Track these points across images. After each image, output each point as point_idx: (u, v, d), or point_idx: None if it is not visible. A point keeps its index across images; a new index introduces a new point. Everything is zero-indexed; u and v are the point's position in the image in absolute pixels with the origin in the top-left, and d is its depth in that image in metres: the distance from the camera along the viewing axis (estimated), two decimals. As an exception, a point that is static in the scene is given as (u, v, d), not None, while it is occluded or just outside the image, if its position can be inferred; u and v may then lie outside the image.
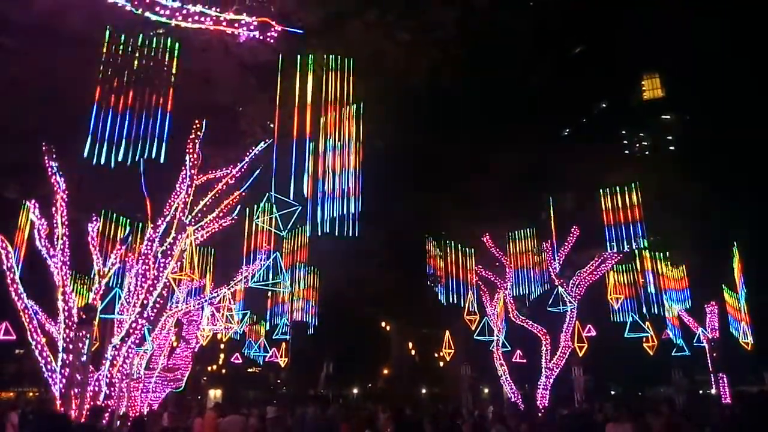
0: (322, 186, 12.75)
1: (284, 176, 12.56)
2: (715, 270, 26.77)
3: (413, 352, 47.19)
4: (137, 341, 14.03)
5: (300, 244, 23.41)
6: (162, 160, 11.37)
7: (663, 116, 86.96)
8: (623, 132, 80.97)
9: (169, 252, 13.94)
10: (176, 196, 14.32)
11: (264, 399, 34.60)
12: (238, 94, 14.39)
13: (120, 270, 16.10)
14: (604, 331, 26.01)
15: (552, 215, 23.66)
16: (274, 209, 13.98)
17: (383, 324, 46.65)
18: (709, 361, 26.26)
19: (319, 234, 13.24)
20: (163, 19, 10.49)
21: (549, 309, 22.74)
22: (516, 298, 25.14)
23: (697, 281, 25.96)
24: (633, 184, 21.34)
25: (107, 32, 10.95)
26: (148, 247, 13.99)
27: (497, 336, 24.78)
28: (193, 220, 14.56)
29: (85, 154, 10.61)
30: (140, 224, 16.23)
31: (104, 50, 10.93)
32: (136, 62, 11.14)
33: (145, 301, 13.50)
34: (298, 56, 12.69)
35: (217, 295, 18.29)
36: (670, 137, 79.91)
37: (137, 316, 13.43)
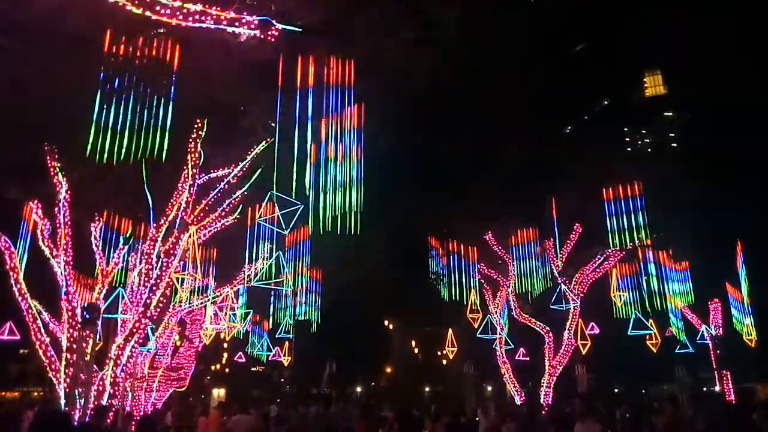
0: (324, 184, 12.75)
1: (286, 175, 12.56)
2: (718, 267, 26.71)
3: (416, 351, 47.24)
4: (141, 341, 14.06)
5: (302, 243, 23.41)
6: (164, 160, 11.38)
7: (665, 113, 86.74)
8: (625, 129, 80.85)
9: (171, 251, 13.96)
10: (178, 196, 14.34)
11: (267, 398, 34.65)
12: (239, 93, 14.38)
13: (123, 269, 16.14)
14: (607, 329, 25.98)
15: (554, 213, 23.63)
16: (276, 208, 13.99)
17: (386, 322, 46.71)
18: (712, 358, 26.22)
19: (322, 233, 13.24)
20: (164, 19, 10.49)
21: (552, 307, 22.72)
22: (519, 296, 25.13)
23: (701, 278, 25.90)
24: (635, 182, 21.30)
25: (108, 32, 10.96)
26: (151, 247, 14.02)
27: (500, 334, 24.77)
28: (195, 219, 14.58)
29: (87, 154, 10.63)
30: (143, 224, 16.26)
31: (105, 50, 10.93)
32: (137, 61, 11.14)
33: (148, 301, 13.52)
34: (299, 55, 12.68)
35: (220, 294, 18.32)
36: (672, 134, 79.78)
37: (140, 315, 13.46)
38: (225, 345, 36.51)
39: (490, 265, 25.65)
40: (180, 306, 16.93)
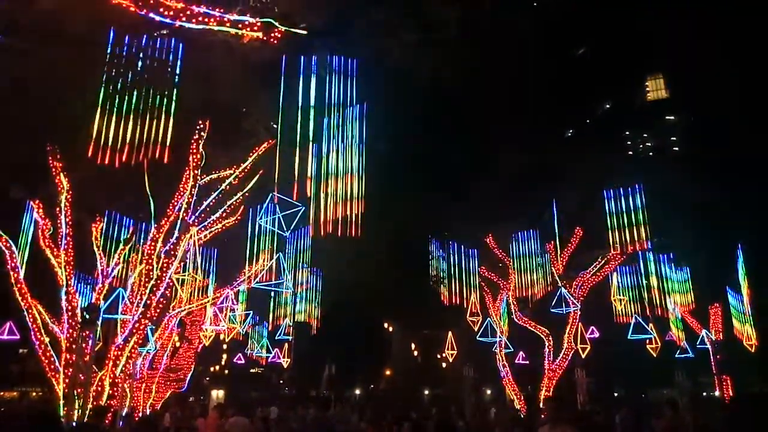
0: (325, 186, 12.75)
1: (287, 176, 12.56)
2: (719, 271, 26.67)
3: (416, 353, 47.18)
4: (140, 341, 14.04)
5: (303, 245, 23.40)
6: (165, 161, 11.39)
7: (667, 117, 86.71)
8: (627, 133, 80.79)
9: (172, 252, 13.96)
10: (180, 197, 14.34)
11: (266, 399, 34.60)
12: (242, 95, 14.40)
13: (123, 270, 16.13)
14: (607, 333, 25.94)
15: (555, 216, 23.62)
16: (277, 209, 14.00)
17: (386, 325, 46.66)
18: (712, 362, 26.17)
19: (322, 234, 13.23)
20: (167, 20, 10.51)
21: (552, 310, 22.69)
22: (519, 300, 25.10)
23: (702, 283, 25.86)
24: (637, 185, 21.29)
25: (111, 33, 10.97)
26: (152, 247, 14.01)
27: (500, 337, 24.73)
28: (196, 220, 14.58)
29: (89, 154, 10.63)
30: (144, 224, 16.26)
31: (108, 51, 10.95)
32: (140, 62, 11.15)
33: (148, 302, 13.52)
34: (302, 57, 12.70)
35: (220, 295, 18.31)
36: (674, 138, 79.74)
37: (140, 316, 13.45)
38: (224, 346, 36.48)
39: (491, 268, 25.64)
40: (180, 307, 16.93)
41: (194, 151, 14.22)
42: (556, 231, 23.56)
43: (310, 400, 31.31)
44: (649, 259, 24.17)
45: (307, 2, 12.99)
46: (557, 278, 23.37)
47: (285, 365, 32.32)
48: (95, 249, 14.86)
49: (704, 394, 32.32)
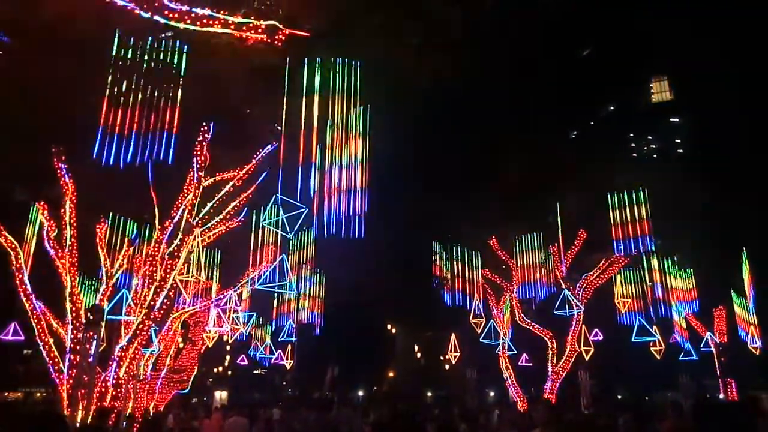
0: (329, 188, 12.78)
1: (291, 178, 12.60)
2: (723, 274, 26.60)
3: (419, 355, 47.15)
4: (144, 342, 14.08)
5: (306, 246, 23.44)
6: (170, 162, 11.43)
7: (671, 119, 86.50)
8: (631, 135, 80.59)
9: (176, 253, 14.00)
10: (184, 198, 14.39)
11: (269, 401, 34.63)
12: (246, 97, 14.44)
13: (127, 271, 16.18)
14: (611, 335, 25.88)
15: (559, 218, 23.59)
16: (281, 211, 14.01)
17: (389, 326, 46.65)
18: (717, 365, 26.08)
19: (326, 236, 13.26)
20: (172, 23, 10.56)
21: (555, 312, 22.66)
22: (522, 302, 25.07)
23: (706, 285, 25.79)
24: (641, 187, 21.25)
25: (116, 35, 11.03)
26: (156, 249, 14.05)
27: (503, 339, 24.71)
28: (200, 222, 14.62)
29: (94, 156, 10.68)
30: (148, 226, 16.31)
31: (113, 53, 11.00)
32: (144, 65, 11.20)
33: (152, 303, 13.56)
34: (306, 59, 12.74)
35: (224, 297, 18.34)
36: (678, 140, 79.55)
37: (144, 317, 13.49)
38: (228, 347, 36.54)
39: (494, 270, 25.62)
40: (183, 308, 16.96)
41: (198, 152, 14.26)
42: (560, 233, 23.54)
43: (313, 401, 31.34)
44: (652, 261, 24.12)
45: (310, 5, 13.03)
46: (561, 280, 23.34)
47: (288, 366, 32.36)
48: (99, 250, 14.91)
49: (708, 396, 32.20)
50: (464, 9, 16.27)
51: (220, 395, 35.26)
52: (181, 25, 10.54)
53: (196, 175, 14.26)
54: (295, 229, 13.95)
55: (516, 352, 25.63)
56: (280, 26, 11.21)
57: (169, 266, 13.89)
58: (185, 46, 11.59)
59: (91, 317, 12.48)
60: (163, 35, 11.41)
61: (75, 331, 13.16)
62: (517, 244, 24.61)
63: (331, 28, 13.57)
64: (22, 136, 13.07)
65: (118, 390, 13.33)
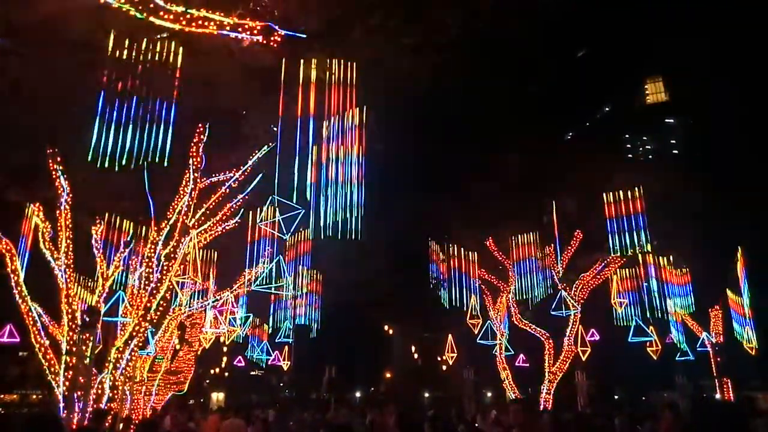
0: (325, 188, 12.78)
1: (287, 179, 12.58)
2: (719, 274, 26.67)
3: (416, 356, 47.14)
4: (140, 344, 14.05)
5: (303, 247, 23.43)
6: (165, 164, 11.41)
7: (666, 120, 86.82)
8: (626, 136, 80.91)
9: (172, 255, 13.97)
10: (180, 200, 14.37)
11: (267, 402, 34.59)
12: (242, 98, 14.43)
13: (123, 273, 16.14)
14: (608, 336, 25.94)
15: (555, 219, 23.64)
16: (277, 212, 14.00)
17: (386, 327, 46.64)
18: (713, 365, 26.15)
19: (322, 237, 13.26)
20: (167, 24, 10.54)
21: (552, 313, 22.70)
22: (519, 302, 25.11)
23: (701, 285, 25.87)
24: (636, 188, 21.31)
25: (111, 36, 11.01)
26: (152, 250, 14.03)
27: (500, 340, 24.74)
28: (196, 223, 14.60)
29: (89, 157, 10.65)
30: (144, 227, 16.29)
31: (108, 54, 10.98)
32: (139, 66, 11.18)
33: (148, 304, 13.53)
34: (302, 60, 12.73)
35: (220, 298, 18.32)
36: (673, 141, 79.86)
37: (140, 319, 13.46)
38: (224, 349, 36.49)
39: (491, 271, 25.65)
40: (180, 309, 16.94)
41: (194, 154, 14.25)
42: (556, 234, 23.59)
43: (310, 402, 31.32)
44: (648, 261, 24.18)
45: (307, 6, 13.03)
46: (557, 281, 23.39)
47: (285, 368, 32.33)
48: (95, 252, 14.88)
49: (705, 396, 32.29)
50: (461, 10, 16.29)
51: (217, 397, 35.21)
52: (177, 27, 10.52)
53: (192, 177, 14.25)
54: (292, 229, 13.95)
55: (513, 352, 25.66)
56: (276, 27, 11.21)
57: (165, 268, 13.87)
58: (181, 48, 11.56)
59: (87, 319, 12.44)
60: (158, 37, 11.40)
61: (71, 333, 13.12)
62: (514, 244, 24.64)
63: (327, 28, 13.57)
64: (17, 137, 13.03)
65: (115, 392, 13.29)
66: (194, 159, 14.26)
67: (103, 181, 13.42)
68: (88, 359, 12.27)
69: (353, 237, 13.07)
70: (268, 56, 12.24)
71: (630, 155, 76.86)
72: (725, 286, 26.61)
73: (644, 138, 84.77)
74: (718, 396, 25.98)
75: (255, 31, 11.05)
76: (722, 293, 26.61)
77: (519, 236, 24.53)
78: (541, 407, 22.73)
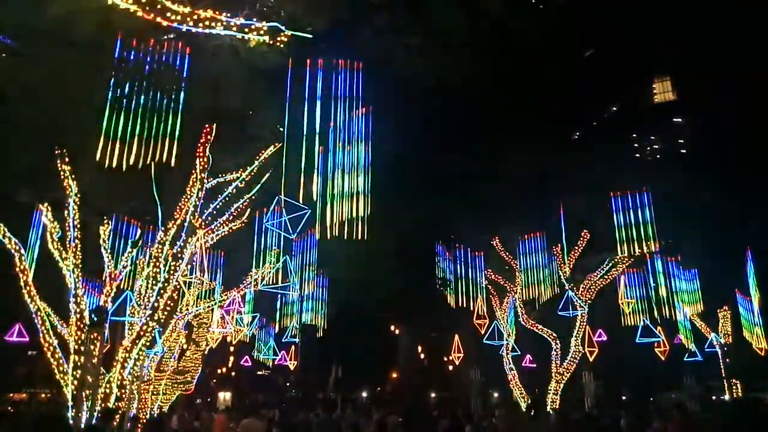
0: (331, 189, 12.79)
1: (294, 180, 12.61)
2: (728, 274, 26.50)
3: (422, 356, 47.07)
4: (148, 343, 14.11)
5: (309, 248, 23.46)
6: (173, 164, 11.45)
7: (674, 119, 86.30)
8: (634, 135, 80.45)
9: (179, 255, 14.02)
10: (187, 200, 14.41)
11: (273, 402, 34.70)
12: (248, 98, 14.46)
13: (131, 273, 16.21)
14: (615, 336, 25.81)
15: (562, 219, 23.54)
16: (284, 213, 14.03)
17: (392, 327, 46.59)
18: (721, 366, 25.98)
19: (329, 237, 13.26)
20: (174, 25, 10.58)
21: (559, 313, 22.61)
22: (526, 302, 25.02)
23: (710, 286, 25.70)
24: (644, 188, 21.18)
25: (119, 37, 11.06)
26: (159, 250, 14.08)
27: (507, 340, 24.67)
28: (203, 223, 14.65)
29: (97, 158, 10.71)
30: (151, 227, 16.35)
31: (116, 55, 11.03)
32: (147, 67, 11.22)
33: (155, 304, 13.58)
34: (308, 60, 12.75)
35: (227, 298, 18.37)
36: (681, 140, 79.36)
37: (148, 318, 13.52)
38: (231, 348, 36.59)
39: (497, 271, 25.57)
40: (187, 309, 16.99)
41: (201, 154, 14.28)
42: (563, 234, 23.48)
43: (317, 402, 31.35)
44: (657, 262, 24.03)
45: (312, 6, 13.04)
46: (564, 281, 23.29)
47: (292, 368, 32.37)
48: (103, 252, 14.95)
49: (713, 397, 32.08)
50: (466, 10, 16.26)
51: (224, 396, 35.32)
52: (184, 27, 10.56)
53: (198, 177, 14.29)
54: (298, 230, 13.97)
55: (520, 352, 25.58)
56: (282, 28, 11.22)
57: (172, 268, 13.91)
58: (187, 48, 11.60)
59: (95, 318, 12.50)
60: (165, 37, 11.44)
61: (79, 333, 13.19)
62: (521, 244, 24.55)
63: (334, 29, 13.58)
64: (26, 138, 13.11)
65: (123, 391, 13.36)
66: (201, 159, 14.30)
67: (111, 182, 13.48)
68: (96, 359, 12.33)
69: (359, 237, 13.08)
70: (274, 56, 12.26)
71: (638, 155, 76.46)
72: (734, 286, 26.43)
73: (652, 137, 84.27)
74: (726, 397, 25.83)
75: (261, 32, 11.07)
76: (731, 293, 26.44)
77: (526, 236, 24.43)
78: (548, 408, 22.66)
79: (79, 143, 12.48)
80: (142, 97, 11.05)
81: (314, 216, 12.93)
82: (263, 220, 16.42)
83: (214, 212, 15.00)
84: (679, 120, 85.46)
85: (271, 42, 11.24)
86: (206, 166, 14.41)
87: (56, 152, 13.73)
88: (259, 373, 45.25)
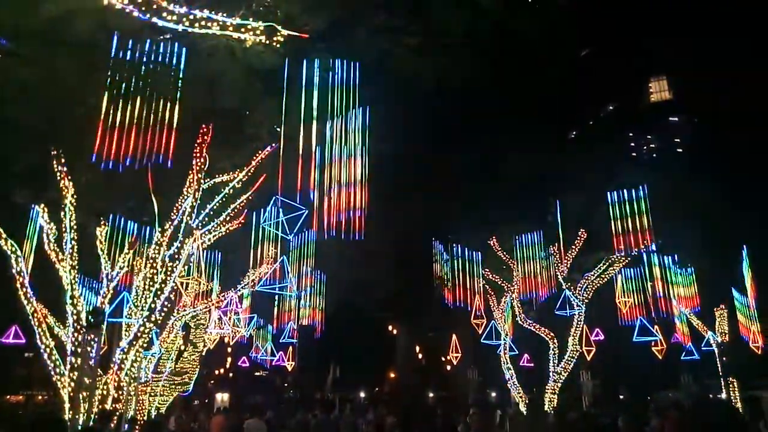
0: (328, 189, 12.76)
1: (291, 180, 12.58)
2: (724, 272, 26.54)
3: (420, 356, 47.11)
4: (145, 345, 14.08)
5: (306, 248, 23.42)
6: (169, 165, 11.41)
7: (670, 118, 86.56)
8: (630, 134, 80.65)
9: (176, 256, 13.99)
10: (183, 201, 14.38)
11: (272, 402, 34.62)
12: (245, 98, 14.43)
13: (128, 274, 16.16)
14: (612, 335, 25.85)
15: (559, 218, 23.56)
16: (281, 213, 14.01)
17: (390, 327, 46.60)
18: (718, 365, 26.03)
19: (326, 237, 13.23)
20: (170, 25, 10.55)
21: (556, 312, 22.63)
22: (523, 302, 25.04)
23: (707, 284, 25.74)
24: (640, 187, 21.20)
25: (114, 38, 11.03)
26: (156, 251, 14.05)
27: (504, 340, 24.68)
28: (200, 224, 14.62)
29: (93, 158, 10.67)
30: (148, 228, 16.31)
31: (112, 55, 11.00)
32: (143, 67, 11.18)
33: (152, 305, 13.55)
34: (305, 60, 12.73)
35: (225, 299, 18.34)
36: (677, 139, 79.62)
37: (145, 319, 13.48)
38: (229, 349, 36.54)
39: (495, 271, 25.58)
40: (184, 310, 16.96)
41: (198, 155, 14.25)
42: (560, 233, 23.50)
43: (315, 403, 31.33)
44: (653, 260, 24.05)
45: (310, 6, 13.02)
46: (561, 280, 23.31)
47: (289, 368, 32.35)
48: (99, 253, 14.91)
49: (711, 396, 32.15)
50: (465, 10, 16.26)
51: (222, 397, 35.26)
52: (180, 27, 10.53)
53: (195, 177, 14.26)
54: (295, 230, 13.95)
55: (517, 352, 25.60)
56: (279, 28, 11.20)
57: (169, 269, 13.88)
58: (184, 49, 11.57)
59: (91, 320, 12.46)
60: (161, 38, 11.41)
61: (76, 334, 13.15)
62: (517, 243, 24.55)
63: (331, 28, 13.56)
64: (22, 138, 13.06)
65: (120, 392, 13.32)
66: (198, 160, 14.27)
67: (108, 182, 13.44)
68: (92, 360, 12.30)
69: (356, 237, 13.05)
70: (271, 56, 12.24)
71: (634, 154, 76.66)
72: (731, 284, 26.47)
73: (648, 137, 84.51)
74: (723, 396, 25.88)
75: (258, 32, 11.04)
76: (728, 292, 26.48)
77: (523, 235, 24.42)
78: (546, 407, 22.69)
79: (76, 143, 12.44)
80: (138, 97, 11.00)
81: (311, 215, 12.91)
82: (260, 220, 16.41)
83: (211, 213, 14.96)
84: (676, 119, 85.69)
85: (268, 42, 11.22)
86: (203, 166, 14.38)
87: (52, 152, 13.68)
88: (257, 374, 45.21)
